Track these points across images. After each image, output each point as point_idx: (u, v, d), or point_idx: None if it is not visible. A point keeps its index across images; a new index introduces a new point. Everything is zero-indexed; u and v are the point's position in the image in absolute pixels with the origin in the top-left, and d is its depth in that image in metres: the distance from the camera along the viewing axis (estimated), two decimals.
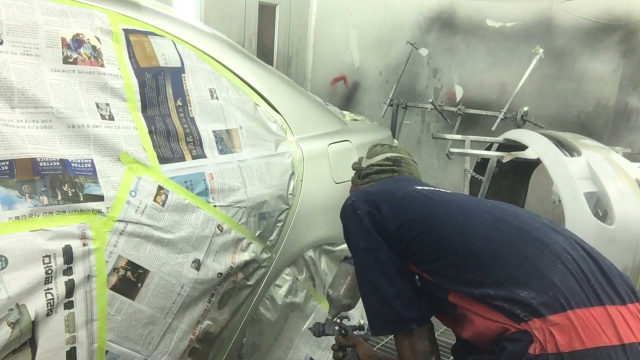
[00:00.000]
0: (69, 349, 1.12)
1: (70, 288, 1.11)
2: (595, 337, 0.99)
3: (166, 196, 1.30)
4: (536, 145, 2.80)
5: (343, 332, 1.49)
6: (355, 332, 1.51)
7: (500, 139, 3.11)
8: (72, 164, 1.13)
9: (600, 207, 2.76)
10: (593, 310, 1.02)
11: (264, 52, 5.53)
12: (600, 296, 1.05)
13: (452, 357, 1.35)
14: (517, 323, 1.06)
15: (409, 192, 1.31)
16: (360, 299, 1.37)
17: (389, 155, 1.59)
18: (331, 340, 1.55)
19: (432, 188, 1.37)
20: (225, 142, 1.51)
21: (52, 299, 1.08)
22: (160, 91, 1.37)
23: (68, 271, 1.10)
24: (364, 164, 1.62)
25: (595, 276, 1.08)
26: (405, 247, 1.23)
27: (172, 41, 1.45)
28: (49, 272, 1.07)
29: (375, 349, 2.73)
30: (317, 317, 1.98)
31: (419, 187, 1.36)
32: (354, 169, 1.65)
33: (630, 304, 1.06)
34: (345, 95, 6.05)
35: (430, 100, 5.00)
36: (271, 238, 1.63)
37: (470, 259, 1.15)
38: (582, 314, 1.02)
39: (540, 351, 1.01)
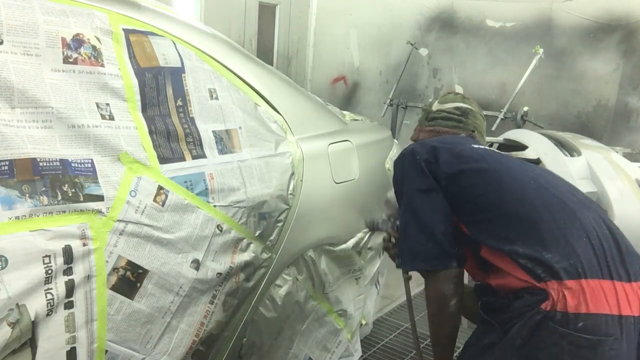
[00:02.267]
0: (69, 349, 1.12)
1: (70, 288, 1.11)
2: (599, 305, 1.12)
3: (166, 196, 1.30)
4: (536, 145, 2.80)
5: (395, 227, 1.67)
6: None
7: (500, 139, 3.12)
8: (72, 164, 1.13)
9: None
10: (603, 282, 1.14)
11: (264, 52, 5.53)
12: (612, 272, 1.16)
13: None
14: (537, 282, 1.18)
15: (465, 149, 1.42)
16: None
17: (459, 105, 1.65)
18: (330, 340, 1.56)
19: (488, 148, 1.46)
20: (225, 142, 1.51)
21: (52, 299, 1.08)
22: (160, 91, 1.37)
23: (68, 271, 1.10)
24: (434, 107, 1.68)
25: (612, 253, 1.19)
26: (451, 197, 1.35)
27: (172, 41, 1.45)
28: (49, 272, 1.07)
29: (375, 348, 2.73)
30: (316, 317, 1.98)
31: (475, 146, 1.45)
32: (423, 110, 1.74)
33: (635, 282, 1.17)
34: (345, 95, 6.05)
35: (431, 100, 4.99)
36: (271, 238, 1.63)
37: (508, 218, 1.26)
38: (593, 284, 1.14)
39: (551, 308, 1.15)
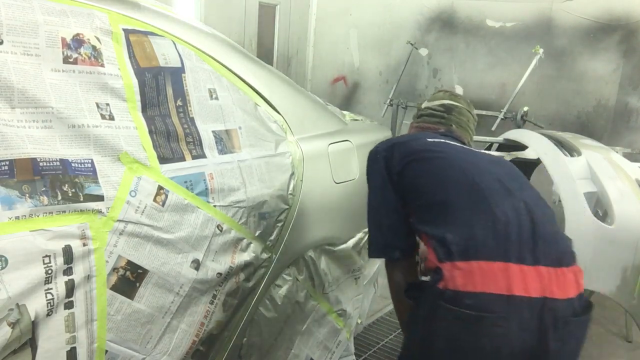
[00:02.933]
0: (69, 349, 1.12)
1: (70, 288, 1.11)
2: (486, 285, 1.20)
3: (166, 196, 1.30)
4: (536, 145, 2.80)
5: None
6: None
7: (500, 139, 3.12)
8: (72, 164, 1.13)
9: (600, 207, 2.76)
10: (496, 264, 1.22)
11: (264, 52, 5.53)
12: (511, 255, 1.23)
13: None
14: (438, 262, 1.28)
15: (419, 143, 1.52)
16: None
17: (444, 102, 1.73)
18: (331, 340, 1.58)
19: (442, 141, 1.53)
20: (225, 142, 1.51)
21: (52, 299, 1.08)
22: (160, 91, 1.37)
23: (68, 271, 1.10)
24: (423, 105, 1.77)
25: (520, 239, 1.26)
26: (401, 190, 1.47)
27: (172, 41, 1.45)
28: (49, 272, 1.07)
29: (375, 348, 2.73)
30: (316, 317, 1.98)
31: (430, 139, 1.53)
32: (416, 108, 1.84)
33: (544, 267, 1.23)
34: (345, 95, 6.05)
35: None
36: (271, 238, 1.63)
37: (432, 203, 1.38)
38: (484, 265, 1.22)
39: (444, 287, 1.24)
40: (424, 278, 1.44)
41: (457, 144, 1.54)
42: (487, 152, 1.60)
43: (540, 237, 1.28)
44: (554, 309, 1.22)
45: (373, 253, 1.55)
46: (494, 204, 1.31)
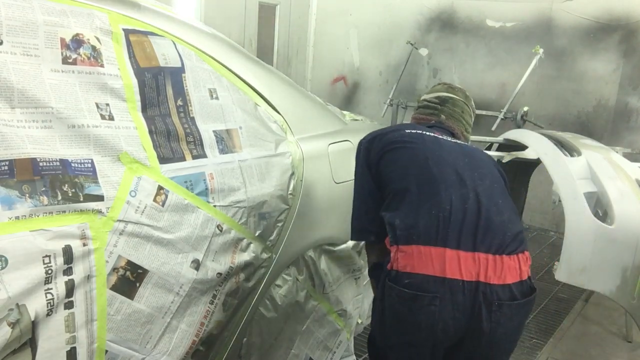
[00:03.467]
0: (69, 349, 1.12)
1: (70, 288, 1.11)
2: (423, 267, 1.33)
3: (166, 196, 1.30)
4: (536, 145, 2.80)
5: None
6: None
7: (500, 139, 3.11)
8: (72, 164, 1.13)
9: (600, 207, 2.75)
10: (434, 249, 1.34)
11: (264, 52, 5.53)
12: (450, 241, 1.34)
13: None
14: (390, 245, 1.42)
15: (396, 134, 1.60)
16: None
17: (440, 94, 1.78)
18: (331, 340, 1.59)
19: (419, 132, 1.60)
20: (225, 142, 1.51)
21: (52, 299, 1.08)
22: (160, 91, 1.37)
23: (68, 271, 1.10)
24: (422, 97, 1.84)
25: (460, 227, 1.36)
26: (377, 180, 1.57)
27: (172, 41, 1.45)
28: (49, 272, 1.07)
29: None
30: (316, 317, 1.98)
31: (407, 130, 1.61)
32: (417, 101, 1.94)
33: (482, 253, 1.34)
34: (345, 95, 6.05)
35: None
36: (271, 238, 1.63)
37: (393, 191, 1.49)
38: (423, 249, 1.34)
39: (390, 268, 1.40)
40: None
41: (432, 135, 1.59)
42: (461, 143, 1.63)
43: (483, 226, 1.37)
44: (487, 292, 1.32)
45: (353, 236, 1.68)
46: (443, 193, 1.41)
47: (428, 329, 1.35)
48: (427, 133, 1.60)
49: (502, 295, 1.33)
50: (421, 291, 1.33)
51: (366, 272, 2.27)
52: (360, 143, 1.67)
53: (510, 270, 1.35)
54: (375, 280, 1.55)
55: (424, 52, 5.19)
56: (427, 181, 1.44)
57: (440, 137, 1.60)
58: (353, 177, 2.02)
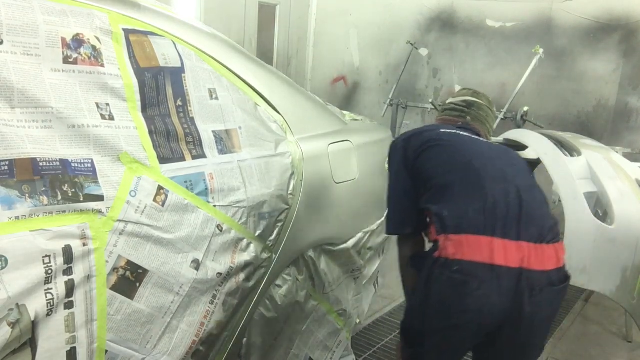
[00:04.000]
0: (69, 349, 1.12)
1: (70, 288, 1.11)
2: (472, 254, 1.41)
3: (166, 196, 1.30)
4: (536, 145, 2.80)
5: None
6: None
7: (500, 139, 3.11)
8: (72, 164, 1.13)
9: (600, 207, 2.75)
10: (482, 238, 1.42)
11: (264, 52, 5.53)
12: (496, 231, 1.43)
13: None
14: (436, 235, 1.49)
15: (432, 134, 1.71)
16: None
17: (466, 98, 1.92)
18: (331, 340, 1.58)
19: (453, 132, 1.72)
20: (225, 142, 1.51)
21: (52, 299, 1.08)
22: (160, 91, 1.37)
23: (68, 271, 1.10)
24: (448, 100, 1.96)
25: (506, 218, 1.45)
26: (415, 176, 1.66)
27: (172, 41, 1.45)
28: (49, 272, 1.07)
29: (375, 348, 2.73)
30: (316, 317, 1.98)
31: (442, 130, 1.73)
32: (440, 105, 2.04)
33: (525, 242, 1.43)
34: (345, 95, 6.05)
35: (430, 100, 5.00)
36: (271, 238, 1.63)
37: (436, 185, 1.58)
38: (472, 238, 1.43)
39: (438, 255, 1.47)
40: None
41: (467, 135, 1.71)
42: (494, 143, 1.76)
43: (525, 217, 1.46)
44: (530, 278, 1.41)
45: (389, 230, 1.76)
46: (488, 187, 1.50)
47: (474, 312, 1.43)
48: (461, 133, 1.71)
49: (542, 280, 1.43)
50: (470, 276, 1.41)
51: (365, 271, 2.28)
52: (396, 142, 1.77)
53: (549, 257, 1.45)
54: (417, 269, 1.61)
55: (424, 52, 5.19)
56: (470, 176, 1.54)
57: (473, 136, 1.72)
58: (353, 178, 2.04)
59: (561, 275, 1.48)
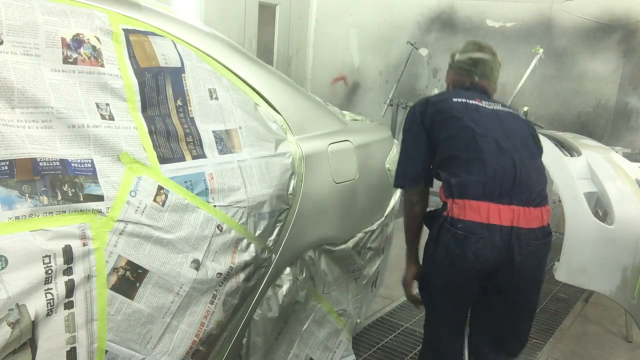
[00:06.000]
0: (69, 349, 1.12)
1: (70, 288, 1.11)
2: (473, 216, 1.74)
3: (166, 196, 1.30)
4: None
5: None
6: None
7: None
8: (72, 164, 1.13)
9: (600, 207, 2.76)
10: (481, 203, 1.74)
11: (264, 52, 5.53)
12: (493, 197, 1.74)
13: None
14: (445, 198, 1.82)
15: (446, 104, 1.91)
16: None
17: (472, 55, 2.07)
18: (331, 340, 1.57)
19: (464, 101, 1.91)
20: (225, 142, 1.51)
21: (52, 299, 1.08)
22: (160, 91, 1.37)
23: (68, 271, 1.10)
24: (456, 58, 2.12)
25: (500, 186, 1.74)
26: (433, 137, 1.90)
27: (172, 41, 1.45)
28: (49, 272, 1.07)
29: (375, 348, 2.73)
30: (317, 317, 1.98)
31: (454, 99, 1.91)
32: (451, 56, 2.17)
33: (515, 206, 1.74)
34: (345, 95, 6.05)
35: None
36: (271, 238, 1.63)
37: (447, 156, 1.84)
38: (473, 203, 1.74)
39: (446, 215, 1.80)
40: (429, 209, 2.01)
41: (474, 104, 1.92)
42: (497, 110, 1.95)
43: (518, 186, 1.76)
44: (519, 234, 1.74)
45: (404, 182, 1.99)
46: (488, 162, 1.77)
47: (473, 261, 1.75)
48: (470, 102, 1.91)
49: (529, 236, 1.75)
50: (471, 233, 1.74)
51: (366, 271, 2.28)
52: (414, 107, 1.99)
53: (535, 218, 1.77)
54: (429, 226, 1.94)
55: (424, 52, 5.19)
56: (473, 150, 1.80)
57: (480, 104, 1.92)
58: (353, 178, 2.04)
59: (545, 232, 1.81)
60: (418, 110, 1.96)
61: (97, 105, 1.21)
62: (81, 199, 1.13)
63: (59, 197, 1.10)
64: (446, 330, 1.95)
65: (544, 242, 1.81)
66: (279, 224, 1.66)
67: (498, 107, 1.96)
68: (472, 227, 1.74)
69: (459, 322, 1.96)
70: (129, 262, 1.22)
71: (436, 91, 5.34)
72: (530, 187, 1.78)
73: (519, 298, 1.86)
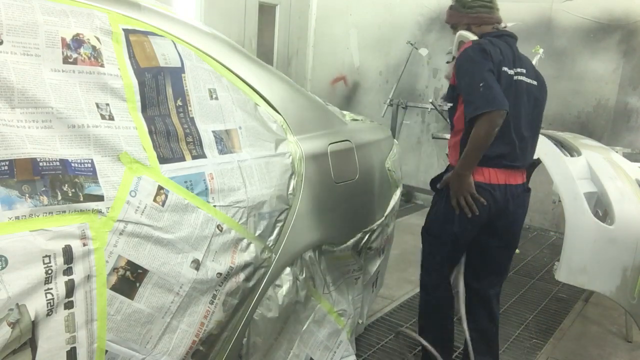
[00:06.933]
0: (69, 349, 1.12)
1: (71, 288, 1.11)
2: (482, 178, 2.15)
3: (166, 196, 1.30)
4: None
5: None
6: None
7: None
8: (72, 164, 1.13)
9: (600, 207, 2.76)
10: (498, 170, 2.16)
11: (264, 52, 5.53)
12: (508, 165, 2.16)
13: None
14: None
15: (498, 68, 2.09)
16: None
17: None
18: (332, 340, 1.55)
19: (513, 77, 2.14)
20: (225, 142, 1.51)
21: (52, 299, 1.08)
22: (160, 91, 1.37)
23: (68, 271, 1.10)
24: None
25: (506, 159, 2.15)
26: None
27: (172, 41, 1.45)
28: (49, 272, 1.07)
29: (375, 348, 2.73)
30: (317, 317, 1.98)
31: (505, 69, 2.11)
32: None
33: (509, 170, 2.17)
34: (345, 95, 6.05)
35: (430, 100, 5.00)
36: (271, 238, 1.63)
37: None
38: (485, 169, 2.15)
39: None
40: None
41: (515, 80, 2.13)
42: (532, 83, 2.20)
43: (517, 157, 2.17)
44: (510, 189, 2.19)
45: (486, 104, 2.00)
46: (505, 137, 2.10)
47: (482, 209, 2.16)
48: (514, 78, 2.13)
49: (518, 190, 2.22)
50: (479, 189, 2.13)
51: (366, 272, 2.28)
52: (479, 44, 2.12)
53: (520, 177, 2.24)
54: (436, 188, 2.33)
55: (424, 52, 5.19)
56: (505, 126, 2.05)
57: (519, 79, 2.14)
58: (353, 178, 2.04)
59: (525, 187, 2.28)
60: (481, 52, 2.08)
61: (97, 105, 1.21)
62: (81, 199, 1.13)
63: (59, 197, 1.10)
64: (444, 270, 2.36)
65: (526, 195, 2.31)
66: (279, 224, 1.66)
67: (532, 80, 2.20)
68: (481, 185, 2.15)
69: (456, 259, 2.40)
70: (129, 262, 1.22)
71: (436, 92, 5.34)
72: (525, 158, 2.22)
73: (507, 237, 2.30)
